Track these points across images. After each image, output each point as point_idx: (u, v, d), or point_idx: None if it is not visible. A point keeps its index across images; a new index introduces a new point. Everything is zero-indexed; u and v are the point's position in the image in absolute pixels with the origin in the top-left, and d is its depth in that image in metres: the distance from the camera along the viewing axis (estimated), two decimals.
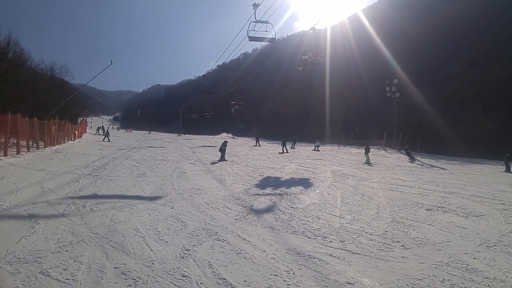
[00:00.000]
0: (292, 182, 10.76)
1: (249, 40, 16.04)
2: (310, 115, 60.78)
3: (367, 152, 18.89)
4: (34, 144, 19.19)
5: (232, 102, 45.57)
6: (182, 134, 51.47)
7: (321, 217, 6.67)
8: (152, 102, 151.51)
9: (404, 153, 22.83)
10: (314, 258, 4.55)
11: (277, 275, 4.00)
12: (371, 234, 5.71)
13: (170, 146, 26.91)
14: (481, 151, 24.57)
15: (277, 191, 9.18)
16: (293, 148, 29.25)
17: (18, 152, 15.70)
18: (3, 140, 14.88)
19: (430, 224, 6.40)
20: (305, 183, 10.76)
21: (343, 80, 59.28)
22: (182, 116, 74.33)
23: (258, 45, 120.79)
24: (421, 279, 4.02)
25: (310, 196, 8.78)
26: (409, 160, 20.42)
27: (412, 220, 6.64)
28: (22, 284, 3.47)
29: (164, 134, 55.44)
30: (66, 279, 3.62)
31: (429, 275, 4.13)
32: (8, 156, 13.94)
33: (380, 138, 32.54)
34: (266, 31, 15.74)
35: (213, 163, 15.36)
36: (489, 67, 35.09)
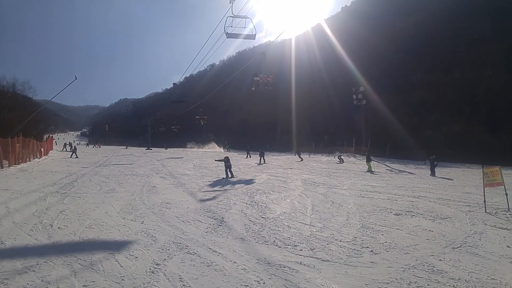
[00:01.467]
0: (263, 192, 10.75)
1: (227, 37, 15.55)
2: (278, 124, 61.49)
3: (368, 160, 18.88)
4: None
5: (196, 117, 45.67)
6: (166, 148, 50.31)
7: (291, 226, 6.69)
8: (120, 117, 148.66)
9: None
10: (285, 267, 4.56)
11: (247, 286, 3.99)
12: (340, 241, 5.78)
13: (140, 161, 26.37)
14: (447, 154, 25.26)
15: (248, 202, 9.16)
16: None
17: None
18: None
19: (398, 229, 6.55)
20: (277, 192, 10.79)
21: (309, 89, 60.61)
22: (151, 130, 73.23)
23: (225, 55, 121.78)
24: (388, 283, 4.10)
25: (281, 205, 8.81)
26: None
27: (381, 226, 6.78)
28: None
29: (133, 148, 54.22)
30: None
31: (396, 279, 4.22)
32: None
33: (349, 145, 33.22)
34: (244, 27, 15.23)
35: (181, 177, 15.14)
36: (451, 73, 36.54)
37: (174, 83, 40.03)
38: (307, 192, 10.78)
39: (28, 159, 24.46)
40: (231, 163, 15.34)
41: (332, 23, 66.57)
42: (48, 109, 61.88)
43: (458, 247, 5.48)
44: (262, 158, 24.34)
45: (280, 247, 5.45)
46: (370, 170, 17.97)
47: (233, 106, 77.97)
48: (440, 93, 36.05)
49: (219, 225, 6.73)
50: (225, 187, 11.87)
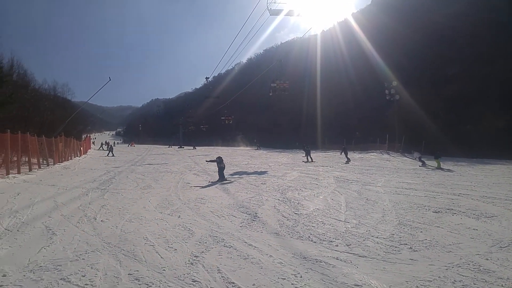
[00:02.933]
0: (295, 189, 10.70)
1: (270, 14, 15.31)
2: (308, 122, 60.87)
3: (437, 157, 18.01)
4: (44, 161, 19.70)
5: (222, 118, 46.21)
6: (194, 147, 50.99)
7: (326, 222, 6.62)
8: (152, 116, 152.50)
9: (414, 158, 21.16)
10: (321, 262, 4.52)
11: (284, 279, 3.99)
12: (377, 237, 5.67)
13: (173, 158, 26.97)
14: (490, 151, 23.79)
15: (281, 198, 9.14)
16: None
17: (30, 169, 16.31)
18: (15, 158, 15.35)
19: (438, 226, 6.31)
20: (309, 189, 10.71)
21: (337, 86, 59.57)
22: (182, 129, 74.61)
23: (253, 54, 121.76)
24: (431, 281, 3.97)
25: (314, 202, 8.73)
26: (420, 165, 18.94)
27: (419, 223, 6.56)
28: None
29: (166, 147, 55.61)
30: (85, 284, 3.75)
31: (439, 277, 4.08)
32: (21, 174, 14.62)
33: (382, 142, 32.41)
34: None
35: (213, 174, 15.32)
36: (492, 64, 34.21)
37: (206, 78, 40.12)
38: (340, 189, 10.62)
39: (69, 158, 25.75)
40: (224, 164, 13.96)
41: (361, 17, 64.66)
42: (85, 110, 64.30)
43: (506, 247, 5.19)
44: (308, 156, 23.35)
45: (315, 242, 5.41)
46: (439, 167, 17.31)
47: (261, 104, 77.94)
48: (481, 86, 33.92)
49: (253, 220, 6.77)
50: (256, 184, 11.90)
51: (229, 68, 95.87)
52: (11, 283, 3.73)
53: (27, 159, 17.38)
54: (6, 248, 4.93)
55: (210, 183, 12.43)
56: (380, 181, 12.64)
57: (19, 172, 14.82)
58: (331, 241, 5.44)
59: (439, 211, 7.55)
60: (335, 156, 27.07)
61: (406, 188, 10.81)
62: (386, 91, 32.50)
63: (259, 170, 16.87)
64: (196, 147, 50.58)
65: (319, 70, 67.21)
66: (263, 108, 77.31)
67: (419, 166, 18.60)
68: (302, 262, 4.51)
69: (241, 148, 51.91)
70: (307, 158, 23.16)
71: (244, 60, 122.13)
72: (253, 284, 3.83)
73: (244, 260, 4.57)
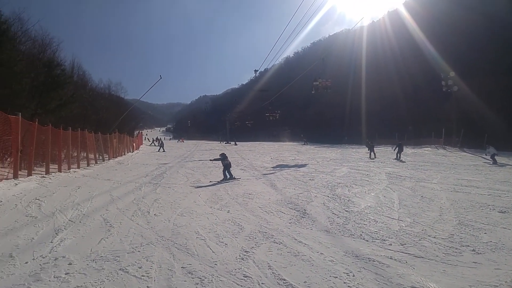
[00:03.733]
0: (344, 186, 10.44)
1: None
2: (356, 116, 59.14)
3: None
4: (100, 157, 20.96)
5: (266, 114, 46.26)
6: (235, 143, 51.49)
7: (378, 220, 6.39)
8: (200, 113, 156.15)
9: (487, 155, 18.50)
10: (374, 261, 4.36)
11: (336, 277, 3.88)
12: (434, 237, 5.36)
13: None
14: None
15: (330, 195, 8.96)
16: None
17: (88, 164, 17.54)
18: (75, 154, 16.56)
19: (505, 228, 5.83)
20: (359, 186, 10.41)
21: (388, 79, 57.21)
22: (229, 125, 75.60)
23: (299, 47, 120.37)
24: (497, 286, 3.67)
25: (365, 199, 8.47)
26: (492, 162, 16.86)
27: (483, 223, 6.11)
28: (107, 279, 3.77)
29: (214, 143, 56.74)
30: (142, 275, 3.88)
31: (506, 281, 3.76)
32: (80, 168, 15.63)
33: (437, 136, 30.73)
34: None
35: (260, 170, 15.37)
36: None
37: (255, 70, 40.01)
38: (393, 186, 10.22)
39: (123, 153, 27.15)
40: (229, 161, 12.89)
41: (415, 5, 61.58)
42: (137, 107, 67.23)
43: None
44: (372, 152, 22.07)
45: (367, 240, 5.23)
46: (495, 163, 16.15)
47: (308, 98, 77.01)
48: None
49: (302, 217, 6.68)
50: (304, 180, 11.77)
51: (276, 62, 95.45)
52: (76, 271, 3.96)
53: (85, 154, 18.57)
54: (71, 238, 5.26)
55: (216, 182, 11.67)
56: (435, 177, 12.00)
57: (78, 167, 15.90)
58: (384, 240, 5.23)
59: (505, 211, 6.99)
60: (386, 151, 26.15)
61: (466, 186, 10.16)
62: (443, 83, 30.73)
63: (306, 166, 16.70)
64: (238, 143, 50.92)
65: (366, 63, 65.21)
66: (310, 103, 76.36)
67: (491, 164, 16.59)
68: (354, 261, 4.37)
69: (288, 143, 51.72)
70: (370, 155, 21.99)
71: (291, 54, 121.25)
72: (305, 282, 3.76)
73: (294, 257, 4.51)
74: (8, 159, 11.87)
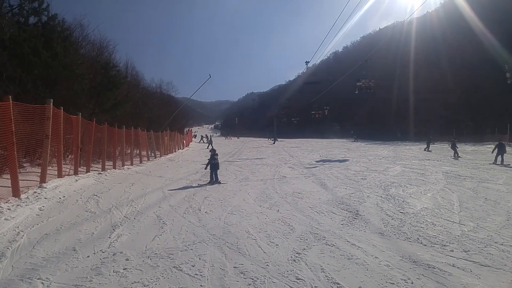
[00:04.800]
0: (398, 185, 9.98)
1: None
2: (410, 112, 56.50)
3: None
4: (152, 154, 21.85)
5: (312, 112, 45.63)
6: (274, 142, 51.20)
7: (436, 223, 6.02)
8: (247, 110, 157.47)
9: None
10: (434, 268, 4.08)
11: (393, 283, 3.69)
12: (502, 244, 4.94)
13: (267, 151, 27.53)
14: None
15: (383, 195, 8.61)
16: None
17: (141, 162, 18.38)
18: (129, 151, 17.44)
19: None
20: (414, 186, 9.90)
21: (441, 73, 54.04)
22: (276, 122, 75.44)
23: (349, 41, 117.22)
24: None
25: (421, 200, 8.03)
26: None
27: None
28: (162, 276, 3.86)
29: (261, 140, 56.96)
30: (195, 274, 3.93)
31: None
32: (134, 165, 16.42)
33: (502, 132, 28.53)
34: None
35: (309, 168, 15.15)
36: None
37: (306, 62, 38.91)
38: (452, 187, 9.61)
39: (174, 150, 28.15)
40: (218, 161, 11.53)
41: None
42: (187, 105, 69.29)
43: None
44: (455, 152, 20.04)
45: (425, 245, 4.93)
46: None
47: (358, 94, 74.86)
48: None
49: (355, 218, 6.46)
50: (356, 179, 11.42)
51: (324, 58, 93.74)
52: (133, 267, 4.11)
53: (138, 151, 19.44)
54: (127, 234, 5.48)
55: (201, 185, 10.85)
56: (501, 177, 11.13)
57: (132, 164, 16.71)
58: (444, 245, 4.90)
59: None
60: (442, 149, 24.76)
61: None
62: (507, 75, 28.38)
63: (357, 164, 16.22)
64: (283, 140, 50.46)
65: (417, 57, 62.15)
66: (360, 98, 74.26)
67: None
68: (412, 267, 4.13)
69: (337, 140, 50.66)
70: (454, 155, 19.83)
71: (340, 48, 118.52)
72: (359, 287, 3.63)
73: (348, 260, 4.36)
74: (69, 156, 12.71)
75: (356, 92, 26.67)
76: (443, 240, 5.11)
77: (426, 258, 4.41)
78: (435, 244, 4.97)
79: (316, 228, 5.80)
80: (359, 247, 4.85)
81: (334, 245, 4.94)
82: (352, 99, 78.25)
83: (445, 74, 52.95)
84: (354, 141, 44.75)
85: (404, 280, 3.76)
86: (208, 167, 11.33)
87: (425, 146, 24.79)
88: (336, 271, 4.02)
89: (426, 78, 56.65)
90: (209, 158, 11.56)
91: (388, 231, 5.64)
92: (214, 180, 11.03)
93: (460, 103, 47.60)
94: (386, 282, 3.72)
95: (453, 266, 4.16)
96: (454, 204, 7.53)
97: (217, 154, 11.58)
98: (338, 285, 3.65)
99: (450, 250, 4.71)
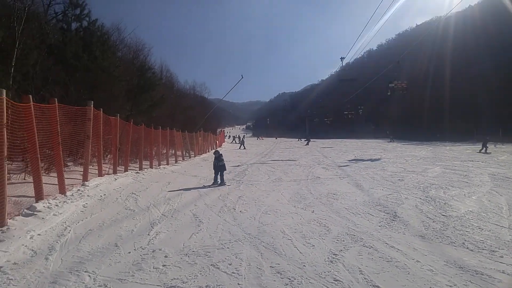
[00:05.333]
0: (439, 187, 9.57)
1: None
2: (450, 112, 54.20)
3: None
4: (187, 154, 22.33)
5: (345, 113, 44.95)
6: (307, 142, 50.59)
7: (483, 228, 5.70)
8: (279, 110, 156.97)
9: None
10: (482, 274, 3.86)
11: None
12: None
13: (300, 151, 27.35)
14: None
15: (423, 197, 8.29)
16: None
17: (176, 161, 18.80)
18: (164, 151, 17.93)
19: None
20: (457, 188, 9.46)
21: (484, 70, 51.56)
22: (308, 122, 74.81)
23: (384, 39, 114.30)
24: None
25: (465, 203, 7.65)
26: None
27: None
28: (200, 274, 3.91)
29: (293, 141, 56.64)
30: (232, 272, 3.96)
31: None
32: (169, 165, 16.83)
33: None
34: None
35: (343, 168, 14.87)
36: None
37: (341, 58, 37.49)
38: (499, 189, 9.09)
39: (207, 150, 28.55)
40: (224, 163, 11.28)
41: None
42: (219, 106, 70.26)
43: None
44: (484, 148, 19.48)
45: (472, 250, 4.68)
46: None
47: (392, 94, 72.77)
48: None
49: (393, 220, 6.25)
50: (393, 180, 11.07)
51: (357, 56, 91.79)
52: (172, 264, 4.19)
53: (173, 152, 19.88)
54: (165, 232, 5.60)
55: (206, 186, 10.77)
56: None
57: (167, 164, 17.12)
58: (493, 251, 4.63)
59: None
60: (496, 152, 23.49)
61: None
62: None
63: (394, 165, 15.75)
64: (315, 140, 49.62)
65: (457, 54, 59.67)
66: (396, 98, 72.16)
67: None
68: (457, 272, 3.93)
69: (372, 140, 49.50)
70: (483, 150, 19.41)
71: (374, 47, 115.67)
72: None
73: (387, 262, 4.22)
74: (108, 156, 13.18)
75: (389, 94, 26.57)
76: (491, 246, 4.84)
77: (473, 264, 4.19)
78: (483, 249, 4.71)
79: (353, 229, 5.68)
80: (398, 249, 4.69)
81: (372, 247, 4.81)
82: (386, 99, 76.38)
83: (486, 71, 50.62)
84: (390, 141, 43.54)
85: (450, 286, 3.59)
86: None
87: (480, 147, 23.11)
88: (375, 273, 3.90)
89: (467, 76, 54.30)
90: (214, 160, 11.41)
91: (429, 234, 5.42)
92: (220, 182, 10.85)
93: (507, 101, 45.23)
94: (430, 287, 3.57)
95: (503, 272, 3.93)
96: (502, 207, 7.11)
97: (221, 155, 11.54)
98: None
99: (500, 256, 4.44)
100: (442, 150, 25.35)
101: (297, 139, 58.83)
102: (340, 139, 55.81)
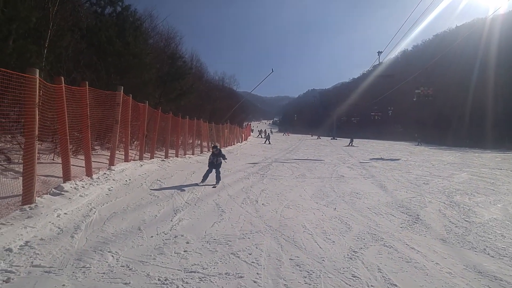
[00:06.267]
0: (464, 193, 9.34)
1: None
2: (482, 117, 52.12)
3: None
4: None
5: (371, 114, 44.16)
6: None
7: (507, 236, 5.58)
8: (307, 107, 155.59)
9: None
10: (502, 280, 3.83)
11: None
12: None
13: (326, 149, 27.19)
14: None
15: (447, 202, 8.13)
16: None
17: (201, 152, 19.16)
18: (191, 141, 18.26)
19: None
20: (482, 195, 9.20)
21: None
22: (336, 120, 73.77)
23: (419, 40, 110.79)
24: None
25: (489, 210, 7.46)
26: None
27: None
28: (220, 261, 4.04)
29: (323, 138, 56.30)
30: (252, 262, 4.06)
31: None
32: (195, 155, 17.13)
33: None
34: None
35: (368, 169, 14.71)
36: None
37: (378, 52, 36.38)
38: None
39: (233, 143, 28.83)
40: (222, 161, 9.85)
41: None
42: (247, 99, 70.42)
43: None
44: None
45: (493, 256, 4.62)
46: None
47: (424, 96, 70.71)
48: None
49: (415, 222, 6.20)
50: (418, 183, 10.87)
51: (392, 56, 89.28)
52: (193, 250, 4.34)
53: (199, 142, 20.19)
54: (188, 219, 5.78)
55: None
56: None
57: (193, 153, 17.45)
58: None
59: None
60: None
61: None
62: None
63: (420, 168, 15.43)
64: (336, 139, 49.02)
65: (497, 58, 57.11)
66: (426, 101, 70.20)
67: None
68: (476, 277, 3.92)
69: (399, 142, 48.46)
70: None
71: (410, 47, 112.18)
72: None
73: (406, 263, 4.24)
74: (135, 142, 13.53)
75: (414, 99, 26.56)
76: None
77: (493, 269, 4.15)
78: (504, 256, 4.65)
79: (374, 229, 5.68)
80: (418, 251, 4.68)
81: (392, 247, 4.82)
82: (417, 101, 74.35)
83: None
84: (418, 144, 42.46)
85: None
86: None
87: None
88: (393, 272, 3.93)
89: (505, 82, 51.98)
90: (210, 157, 9.86)
91: (451, 238, 5.37)
92: (216, 181, 9.26)
93: None
94: None
95: None
96: None
97: (221, 151, 10.10)
98: (395, 287, 3.58)
99: None
100: (470, 156, 24.56)
101: (316, 137, 58.43)
102: (367, 140, 54.96)
